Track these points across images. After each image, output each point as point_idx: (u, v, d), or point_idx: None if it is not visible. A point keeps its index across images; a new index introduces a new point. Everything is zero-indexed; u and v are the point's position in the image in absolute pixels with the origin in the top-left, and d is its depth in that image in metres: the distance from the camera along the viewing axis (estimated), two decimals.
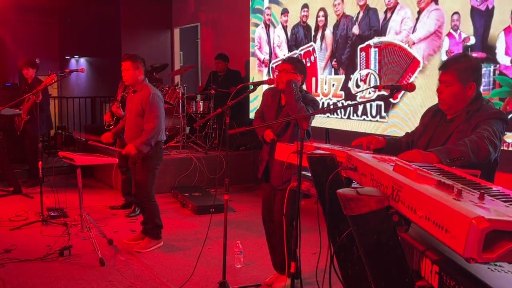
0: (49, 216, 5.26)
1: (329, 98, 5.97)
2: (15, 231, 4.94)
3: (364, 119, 5.44)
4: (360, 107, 5.50)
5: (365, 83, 5.43)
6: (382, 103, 5.22)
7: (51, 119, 7.32)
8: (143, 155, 4.42)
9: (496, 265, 1.61)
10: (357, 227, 1.72)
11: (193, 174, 6.81)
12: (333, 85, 5.91)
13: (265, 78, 7.23)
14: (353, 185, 2.17)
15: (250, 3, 7.58)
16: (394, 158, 2.16)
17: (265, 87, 6.61)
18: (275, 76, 3.70)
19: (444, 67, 2.56)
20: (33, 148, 6.43)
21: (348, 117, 5.69)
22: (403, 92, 4.96)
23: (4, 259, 4.15)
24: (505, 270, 1.60)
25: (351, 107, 5.70)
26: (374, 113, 5.34)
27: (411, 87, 2.53)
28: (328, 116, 5.99)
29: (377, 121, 5.27)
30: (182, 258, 4.31)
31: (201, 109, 7.47)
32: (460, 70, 2.49)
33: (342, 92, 5.78)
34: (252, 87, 3.58)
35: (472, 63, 2.53)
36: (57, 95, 11.25)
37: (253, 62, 7.58)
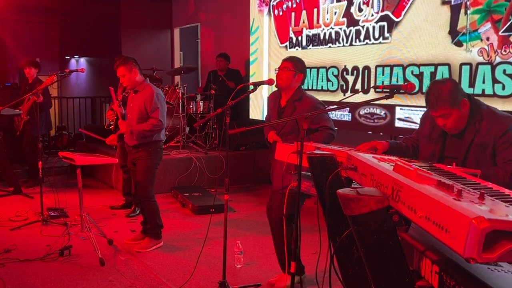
0: (49, 216, 5.26)
1: (331, 27, 5.88)
2: (15, 231, 4.94)
3: (366, 43, 5.38)
4: (363, 32, 5.42)
5: (367, 5, 5.34)
6: (385, 23, 5.15)
7: (50, 120, 7.32)
8: (142, 155, 4.41)
9: (496, 265, 1.61)
10: (357, 227, 1.72)
11: (193, 174, 6.81)
12: (335, 13, 5.80)
13: (266, 17, 7.11)
14: (353, 185, 2.17)
15: None
16: (394, 158, 2.16)
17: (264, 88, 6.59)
18: (275, 72, 3.71)
19: (432, 107, 2.57)
20: (32, 149, 6.44)
21: (351, 45, 5.61)
22: (406, 9, 4.90)
23: (4, 259, 4.15)
24: (505, 270, 1.60)
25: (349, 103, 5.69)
26: (377, 35, 5.26)
27: (411, 87, 2.53)
28: (330, 46, 5.91)
29: (380, 43, 5.22)
30: (182, 258, 4.31)
31: (201, 109, 7.46)
32: (447, 98, 2.50)
33: (344, 19, 5.68)
34: (253, 87, 3.58)
35: (449, 85, 2.54)
36: (57, 95, 11.24)
37: (253, 3, 7.40)
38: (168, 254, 4.43)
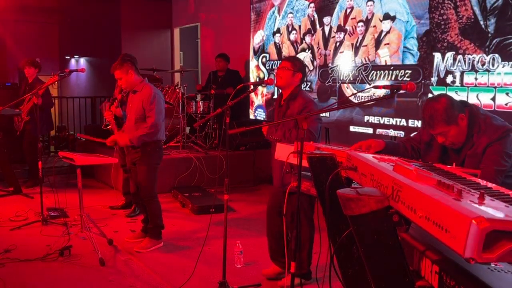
0: (49, 216, 5.25)
1: None
2: (15, 231, 4.93)
3: None
4: None
5: None
6: None
7: (51, 120, 7.32)
8: (141, 155, 4.41)
9: (496, 265, 1.61)
10: (357, 227, 1.72)
11: (193, 174, 6.80)
12: None
13: None
14: (353, 185, 2.17)
15: None
16: (394, 158, 2.16)
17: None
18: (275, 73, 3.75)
19: (429, 126, 2.58)
20: (32, 149, 6.42)
21: None
22: None
23: (4, 259, 4.14)
24: (505, 270, 1.60)
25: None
26: None
27: (411, 87, 2.53)
28: None
29: None
30: (182, 258, 4.31)
31: (201, 109, 7.46)
32: (442, 117, 2.51)
33: None
34: (253, 87, 3.60)
35: (443, 103, 2.54)
36: (57, 95, 11.24)
37: None
38: (168, 254, 4.43)
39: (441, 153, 2.69)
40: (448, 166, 2.05)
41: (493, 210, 1.31)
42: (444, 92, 4.68)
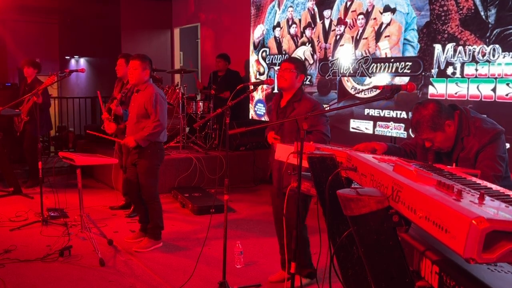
0: (49, 216, 5.25)
1: None
2: (15, 231, 4.93)
3: None
4: None
5: None
6: None
7: (51, 120, 7.32)
8: (142, 157, 4.41)
9: (496, 265, 1.61)
10: (357, 227, 1.72)
11: (193, 174, 6.80)
12: None
13: None
14: (353, 186, 2.17)
15: None
16: (394, 158, 2.16)
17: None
18: (277, 74, 3.75)
19: (416, 132, 2.61)
20: (32, 149, 6.43)
21: None
22: None
23: (4, 259, 4.15)
24: (505, 270, 1.60)
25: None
26: None
27: (411, 87, 2.53)
28: None
29: None
30: (182, 258, 4.31)
31: (201, 109, 7.46)
32: (427, 124, 2.53)
33: None
34: (253, 87, 3.60)
35: (430, 109, 2.55)
36: (57, 95, 11.23)
37: None
38: (168, 254, 4.43)
39: (435, 156, 2.71)
40: (448, 167, 2.05)
41: (493, 210, 1.31)
42: (444, 83, 4.67)
